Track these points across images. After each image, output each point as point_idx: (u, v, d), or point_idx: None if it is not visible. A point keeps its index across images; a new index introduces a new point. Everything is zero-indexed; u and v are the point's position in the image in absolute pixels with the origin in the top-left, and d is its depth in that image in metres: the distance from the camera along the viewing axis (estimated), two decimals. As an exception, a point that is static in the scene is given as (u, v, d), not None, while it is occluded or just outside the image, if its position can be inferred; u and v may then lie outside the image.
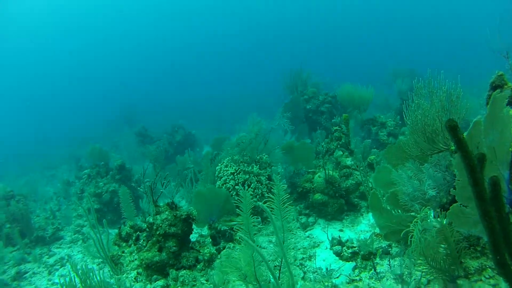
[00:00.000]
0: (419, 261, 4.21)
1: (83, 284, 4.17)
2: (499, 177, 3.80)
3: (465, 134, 3.63)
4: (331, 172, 7.67)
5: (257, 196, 7.56)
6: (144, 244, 6.31)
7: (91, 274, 4.18)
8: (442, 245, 4.03)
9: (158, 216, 6.02)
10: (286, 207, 3.95)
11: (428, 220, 4.13)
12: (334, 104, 13.75)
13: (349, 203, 7.76)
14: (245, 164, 7.91)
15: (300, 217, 7.79)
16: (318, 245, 6.69)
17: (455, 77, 4.59)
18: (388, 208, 4.77)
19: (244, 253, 4.12)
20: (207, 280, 5.54)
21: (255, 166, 7.89)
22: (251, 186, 7.59)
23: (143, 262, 5.82)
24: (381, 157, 8.52)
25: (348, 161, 8.10)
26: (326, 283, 4.81)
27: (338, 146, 8.62)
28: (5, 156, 25.44)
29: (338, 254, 5.83)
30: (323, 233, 7.12)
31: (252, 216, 4.14)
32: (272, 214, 3.92)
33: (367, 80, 13.90)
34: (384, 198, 4.96)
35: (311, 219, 7.67)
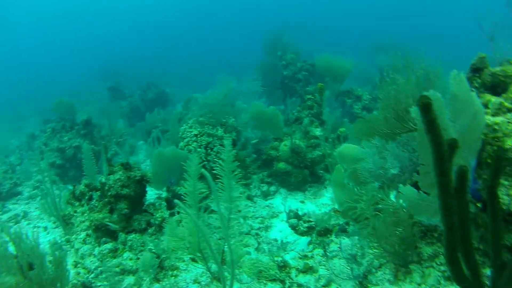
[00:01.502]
0: (375, 243, 4.03)
1: (16, 248, 3.85)
2: (466, 165, 3.57)
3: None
4: (297, 142, 7.40)
5: (220, 160, 7.24)
6: (96, 205, 6.00)
7: (24, 237, 3.85)
8: (397, 228, 3.84)
9: (111, 176, 5.71)
10: (236, 175, 3.63)
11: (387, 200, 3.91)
12: (312, 73, 13.34)
13: (314, 175, 7.54)
14: (210, 127, 7.57)
15: (262, 185, 7.55)
16: (277, 215, 6.49)
17: (439, 55, 4.31)
18: (349, 184, 4.53)
19: (188, 222, 3.86)
20: (156, 246, 5.28)
21: (220, 129, 7.57)
22: (214, 149, 7.28)
23: (93, 224, 5.53)
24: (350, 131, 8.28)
25: (317, 132, 7.83)
26: (276, 258, 4.60)
27: (309, 115, 8.34)
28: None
29: (294, 228, 5.63)
30: (283, 202, 6.92)
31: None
32: (221, 182, 3.64)
33: (351, 51, 13.56)
34: (346, 173, 4.72)
35: (273, 188, 7.43)
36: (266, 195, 7.26)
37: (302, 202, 7.02)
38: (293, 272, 4.45)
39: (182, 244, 4.00)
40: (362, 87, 12.82)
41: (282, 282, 4.28)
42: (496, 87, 4.27)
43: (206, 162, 7.07)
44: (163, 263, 4.80)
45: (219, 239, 4.37)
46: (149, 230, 5.61)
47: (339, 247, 4.61)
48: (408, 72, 4.30)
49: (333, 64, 12.15)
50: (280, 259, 4.57)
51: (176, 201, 3.41)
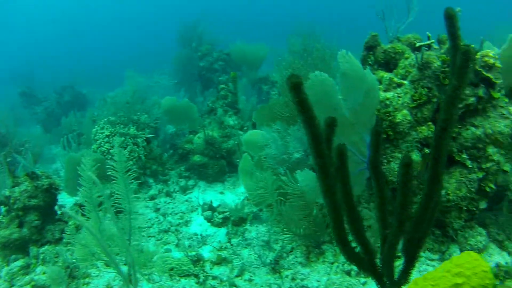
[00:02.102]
0: (284, 228, 4.05)
1: None
2: (359, 141, 3.65)
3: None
4: (210, 132, 7.32)
5: (134, 160, 7.03)
6: (2, 220, 5.63)
7: None
8: (305, 211, 3.87)
9: (16, 188, 5.38)
10: (130, 175, 3.50)
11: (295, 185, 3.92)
12: (229, 62, 13.25)
13: (231, 164, 7.48)
14: (121, 126, 7.33)
15: (180, 180, 7.41)
16: (196, 209, 6.38)
17: (339, 36, 4.35)
18: (257, 172, 4.51)
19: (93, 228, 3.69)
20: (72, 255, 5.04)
21: (132, 127, 7.33)
22: (127, 148, 7.05)
23: None
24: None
25: (231, 121, 7.78)
26: (190, 252, 4.52)
27: (224, 105, 8.27)
28: None
29: (209, 220, 5.57)
30: (202, 196, 6.84)
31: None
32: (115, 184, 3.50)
33: (269, 37, 13.57)
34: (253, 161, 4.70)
35: (191, 182, 7.31)
36: (185, 190, 7.13)
37: (222, 193, 6.96)
38: (208, 265, 4.40)
39: (88, 251, 3.83)
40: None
41: (196, 276, 4.21)
42: (389, 64, 4.38)
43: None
44: (73, 272, 4.60)
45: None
46: (64, 240, 5.36)
47: (244, 238, 4.61)
48: (305, 54, 4.32)
49: (248, 52, 12.14)
50: (194, 253, 4.50)
51: (64, 210, 3.25)
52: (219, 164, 7.30)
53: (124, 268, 3.98)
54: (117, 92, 7.70)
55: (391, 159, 3.74)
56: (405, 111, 3.64)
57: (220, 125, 7.75)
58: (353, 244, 2.44)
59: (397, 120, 3.60)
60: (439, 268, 1.82)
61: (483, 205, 3.87)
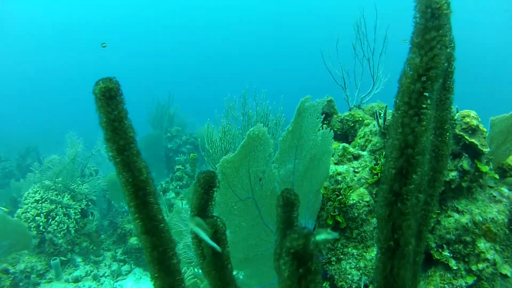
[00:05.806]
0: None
1: None
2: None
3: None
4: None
5: (62, 232, 6.11)
6: None
7: None
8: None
9: None
10: None
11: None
12: (197, 146, 12.79)
13: (173, 251, 6.61)
14: (55, 192, 6.46)
15: (113, 263, 6.42)
16: (125, 300, 5.45)
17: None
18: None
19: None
20: None
21: (67, 195, 6.46)
22: (56, 219, 6.15)
23: None
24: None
25: (181, 205, 7.02)
26: None
27: (178, 187, 7.55)
28: None
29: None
30: (135, 285, 5.90)
31: None
32: None
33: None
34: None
35: (126, 267, 6.31)
36: (116, 276, 6.17)
37: (158, 283, 6.03)
38: None
39: None
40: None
41: None
42: (347, 135, 3.75)
43: (45, 234, 5.99)
44: None
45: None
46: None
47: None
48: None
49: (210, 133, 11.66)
50: None
51: None
52: (159, 249, 6.41)
53: None
54: (52, 158, 6.88)
55: (342, 256, 2.88)
56: (362, 190, 2.84)
57: (169, 209, 6.95)
58: None
59: (351, 202, 2.79)
60: None
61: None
